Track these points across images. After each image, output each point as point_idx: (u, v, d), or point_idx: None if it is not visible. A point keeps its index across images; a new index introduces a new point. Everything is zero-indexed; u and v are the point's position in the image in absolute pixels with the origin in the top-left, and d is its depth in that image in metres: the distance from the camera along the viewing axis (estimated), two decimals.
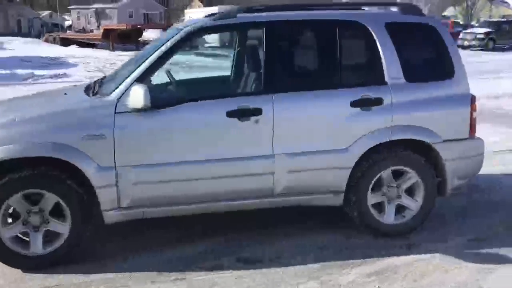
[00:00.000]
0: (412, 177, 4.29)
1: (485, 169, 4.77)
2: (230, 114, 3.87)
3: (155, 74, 3.92)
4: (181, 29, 4.05)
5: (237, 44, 4.84)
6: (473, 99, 4.35)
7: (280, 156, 3.99)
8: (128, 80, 3.83)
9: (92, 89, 4.18)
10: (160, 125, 3.82)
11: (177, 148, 3.86)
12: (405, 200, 4.34)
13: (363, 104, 4.09)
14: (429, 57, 4.40)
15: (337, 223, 4.48)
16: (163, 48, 3.91)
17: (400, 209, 4.34)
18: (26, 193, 3.68)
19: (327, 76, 4.23)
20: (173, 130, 3.85)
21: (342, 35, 4.18)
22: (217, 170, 3.92)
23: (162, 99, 3.85)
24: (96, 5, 59.28)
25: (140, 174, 3.81)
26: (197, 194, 3.95)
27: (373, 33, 4.18)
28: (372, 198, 4.25)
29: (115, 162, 3.75)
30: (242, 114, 3.89)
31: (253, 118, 3.92)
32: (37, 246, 3.76)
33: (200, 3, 55.21)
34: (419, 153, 4.24)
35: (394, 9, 4.50)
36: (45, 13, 67.83)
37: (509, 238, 4.30)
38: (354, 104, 4.07)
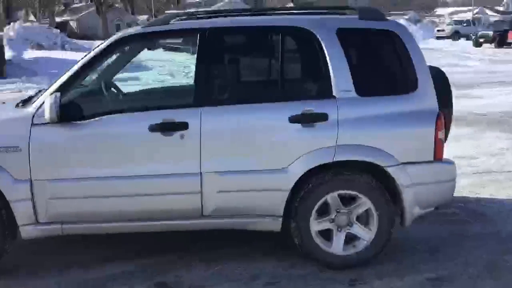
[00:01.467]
0: (364, 204, 3.78)
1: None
2: (152, 128, 3.61)
3: (78, 83, 3.76)
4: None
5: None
6: (439, 116, 3.76)
7: (208, 175, 3.67)
8: (48, 91, 3.69)
9: (26, 100, 4.08)
10: (79, 138, 3.64)
11: (96, 162, 3.66)
12: (357, 229, 3.83)
13: (304, 120, 3.66)
14: (387, 68, 3.87)
15: (288, 249, 4.07)
16: (86, 58, 3.73)
17: (351, 238, 3.86)
18: None
19: (266, 88, 3.86)
20: (92, 143, 3.65)
21: (285, 43, 3.78)
22: (140, 187, 3.67)
23: (82, 110, 3.66)
24: (188, 10, 61.22)
25: (57, 188, 3.64)
26: (119, 212, 3.72)
27: (320, 41, 3.73)
28: (316, 225, 3.79)
29: (30, 176, 3.62)
30: (165, 128, 3.62)
31: (177, 133, 3.63)
32: None
33: None
34: (377, 177, 3.74)
35: (352, 14, 4.01)
36: (143, 17, 71.03)
37: (479, 282, 3.66)
38: (293, 119, 3.65)
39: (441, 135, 3.76)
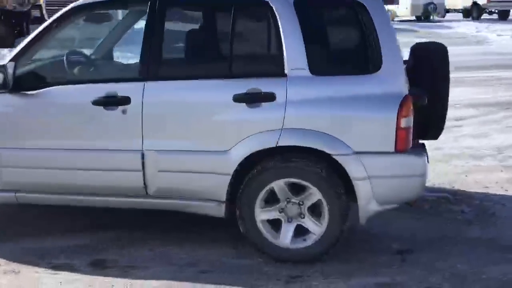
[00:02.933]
0: (313, 195, 3.42)
1: None
2: (95, 101, 3.52)
3: (32, 53, 3.74)
4: None
5: (119, 23, 4.34)
6: (405, 102, 3.27)
7: (150, 153, 3.52)
8: (5, 60, 3.71)
9: None
10: (25, 108, 3.65)
11: (42, 133, 3.66)
12: (307, 221, 3.49)
13: (250, 99, 3.36)
14: (348, 44, 3.44)
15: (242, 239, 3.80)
16: (38, 29, 3.70)
17: (302, 232, 3.52)
18: None
19: (214, 63, 3.58)
20: (39, 113, 3.64)
21: (237, 15, 3.46)
22: (84, 161, 3.61)
23: (33, 81, 3.66)
24: None
25: (8, 157, 3.69)
26: (65, 184, 3.69)
27: (275, 12, 3.38)
28: (263, 214, 3.50)
29: None
30: (108, 102, 3.51)
31: (120, 108, 3.50)
32: None
33: None
34: (333, 168, 3.36)
35: None
36: None
37: None
38: (238, 98, 3.37)
39: (405, 123, 3.27)
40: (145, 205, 3.68)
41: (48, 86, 3.62)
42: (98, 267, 3.51)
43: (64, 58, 3.84)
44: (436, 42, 4.01)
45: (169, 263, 3.55)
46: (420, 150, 3.47)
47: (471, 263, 3.52)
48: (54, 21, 3.69)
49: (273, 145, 3.35)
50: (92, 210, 3.92)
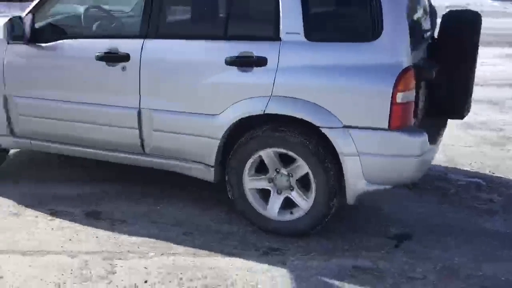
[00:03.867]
0: (301, 167, 3.26)
1: None
2: (99, 57, 3.56)
3: (49, 7, 3.84)
4: None
5: None
6: (405, 74, 2.97)
7: (146, 111, 3.52)
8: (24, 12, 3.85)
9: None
10: (39, 59, 3.77)
11: (51, 85, 3.78)
12: (295, 194, 3.34)
13: (241, 63, 3.23)
14: (347, 8, 3.17)
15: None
16: None
17: (290, 204, 3.38)
18: None
19: (211, 24, 3.46)
20: (49, 66, 3.76)
21: None
22: (88, 115, 3.70)
23: (47, 33, 3.76)
24: None
25: (21, 105, 3.87)
26: (72, 136, 3.82)
27: None
28: (251, 182, 3.41)
29: (4, 89, 3.90)
30: (109, 58, 3.53)
31: (120, 64, 3.52)
32: None
33: None
34: (322, 140, 3.17)
35: None
36: None
37: (409, 283, 2.93)
38: (230, 61, 3.24)
39: (403, 98, 2.98)
40: (142, 162, 3.71)
41: (60, 39, 3.72)
42: (92, 217, 3.63)
43: (76, 13, 3.91)
44: (468, 11, 3.61)
45: (156, 221, 3.58)
46: (419, 129, 3.15)
47: (472, 257, 3.21)
48: None
49: (260, 112, 3.21)
50: (102, 163, 4.01)
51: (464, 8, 3.88)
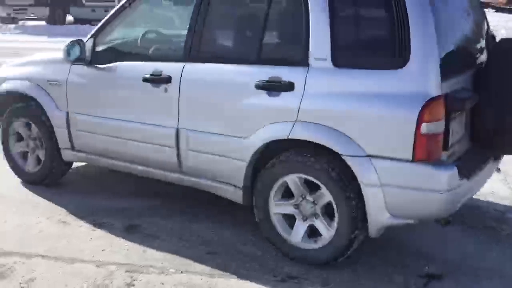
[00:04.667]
0: (324, 195, 3.19)
1: None
2: (145, 79, 3.75)
3: (108, 32, 4.11)
4: None
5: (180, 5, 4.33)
6: (431, 103, 2.82)
7: (183, 131, 3.65)
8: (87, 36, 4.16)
9: None
10: (96, 80, 4.05)
11: (101, 103, 4.03)
12: (319, 223, 3.27)
13: (270, 87, 3.26)
14: (376, 35, 3.06)
15: None
16: (114, 9, 4.05)
17: (315, 233, 3.31)
18: None
19: (243, 48, 3.54)
20: (101, 86, 4.02)
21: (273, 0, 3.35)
22: (133, 133, 3.90)
23: (103, 55, 4.04)
24: None
25: (79, 121, 4.17)
26: (120, 152, 4.03)
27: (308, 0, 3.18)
28: (277, 207, 3.39)
29: (67, 106, 4.22)
30: (154, 80, 3.71)
31: (163, 86, 3.68)
32: None
33: None
34: (344, 168, 3.09)
35: None
36: None
37: None
38: (259, 86, 3.28)
39: (428, 129, 2.83)
40: (180, 181, 3.83)
41: (115, 62, 3.97)
42: (130, 230, 3.79)
43: (135, 37, 4.15)
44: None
45: (186, 239, 3.66)
46: (449, 162, 2.96)
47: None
48: (126, 2, 4.01)
49: (285, 136, 3.20)
50: (151, 179, 4.18)
51: None
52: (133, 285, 3.12)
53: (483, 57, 3.49)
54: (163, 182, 4.04)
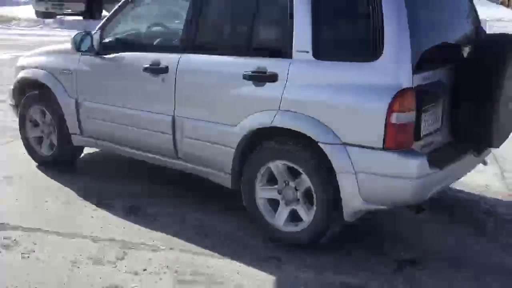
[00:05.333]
0: (304, 181, 3.37)
1: None
2: (145, 68, 3.99)
3: (114, 25, 4.36)
4: None
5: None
6: (401, 95, 2.96)
7: (179, 119, 3.87)
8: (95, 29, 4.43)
9: None
10: (96, 69, 4.33)
11: (107, 91, 4.30)
12: (299, 207, 3.45)
13: (256, 78, 3.44)
14: (354, 28, 3.22)
15: None
16: (118, 5, 4.31)
17: (296, 217, 3.48)
18: None
19: (234, 40, 3.74)
20: (107, 74, 4.29)
21: None
22: (134, 119, 4.14)
23: (109, 46, 4.30)
24: None
25: (88, 108, 4.44)
26: (121, 137, 4.29)
27: None
28: (262, 192, 3.57)
29: (76, 94, 4.50)
30: (153, 70, 3.95)
31: (161, 76, 3.91)
32: None
33: None
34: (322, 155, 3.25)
35: None
36: None
37: None
38: (246, 76, 3.47)
39: (398, 119, 2.97)
40: (177, 166, 4.05)
41: (119, 52, 4.22)
42: (130, 212, 4.03)
43: (132, 30, 4.41)
44: (506, 36, 3.46)
45: (183, 221, 3.88)
46: (418, 151, 3.08)
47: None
48: (121, 3, 4.27)
49: (268, 125, 3.38)
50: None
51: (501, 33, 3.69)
52: (123, 259, 3.36)
53: (465, 53, 3.58)
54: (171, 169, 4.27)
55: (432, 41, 3.31)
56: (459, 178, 3.65)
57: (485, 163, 3.99)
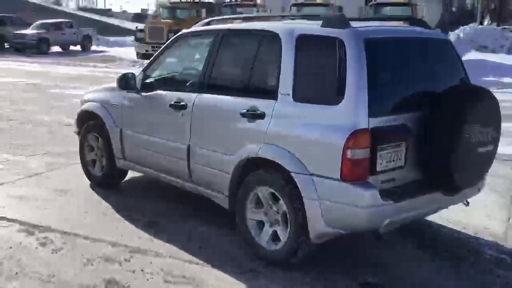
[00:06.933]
0: (281, 205, 3.89)
1: None
2: (170, 105, 4.74)
3: (155, 67, 5.19)
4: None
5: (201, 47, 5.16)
6: (356, 134, 3.43)
7: (192, 147, 4.55)
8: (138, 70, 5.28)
9: None
10: (136, 104, 5.15)
11: (141, 122, 5.11)
12: (279, 228, 3.96)
13: (249, 115, 4.06)
14: (324, 76, 3.73)
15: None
16: (160, 50, 5.14)
17: (277, 236, 3.99)
18: None
19: (238, 83, 4.34)
20: (142, 109, 5.11)
21: (260, 45, 4.20)
22: (159, 147, 4.89)
23: (144, 85, 5.11)
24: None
25: (128, 136, 5.26)
26: (151, 162, 5.05)
27: (282, 45, 3.96)
28: (251, 214, 4.13)
29: (121, 124, 5.35)
30: (176, 107, 4.68)
31: (181, 111, 4.64)
32: None
33: None
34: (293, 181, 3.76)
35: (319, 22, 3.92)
36: None
37: None
38: (242, 114, 4.10)
39: (353, 154, 3.44)
40: (191, 189, 4.72)
41: (155, 91, 5.02)
42: (148, 226, 4.72)
43: (167, 72, 5.21)
44: (475, 89, 3.84)
45: (188, 236, 4.51)
46: (369, 183, 3.50)
47: None
48: (167, 45, 5.08)
49: (255, 155, 3.96)
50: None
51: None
52: (129, 261, 4.04)
53: (434, 101, 3.90)
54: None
55: (395, 92, 3.77)
56: (428, 214, 3.97)
57: (467, 203, 4.25)
